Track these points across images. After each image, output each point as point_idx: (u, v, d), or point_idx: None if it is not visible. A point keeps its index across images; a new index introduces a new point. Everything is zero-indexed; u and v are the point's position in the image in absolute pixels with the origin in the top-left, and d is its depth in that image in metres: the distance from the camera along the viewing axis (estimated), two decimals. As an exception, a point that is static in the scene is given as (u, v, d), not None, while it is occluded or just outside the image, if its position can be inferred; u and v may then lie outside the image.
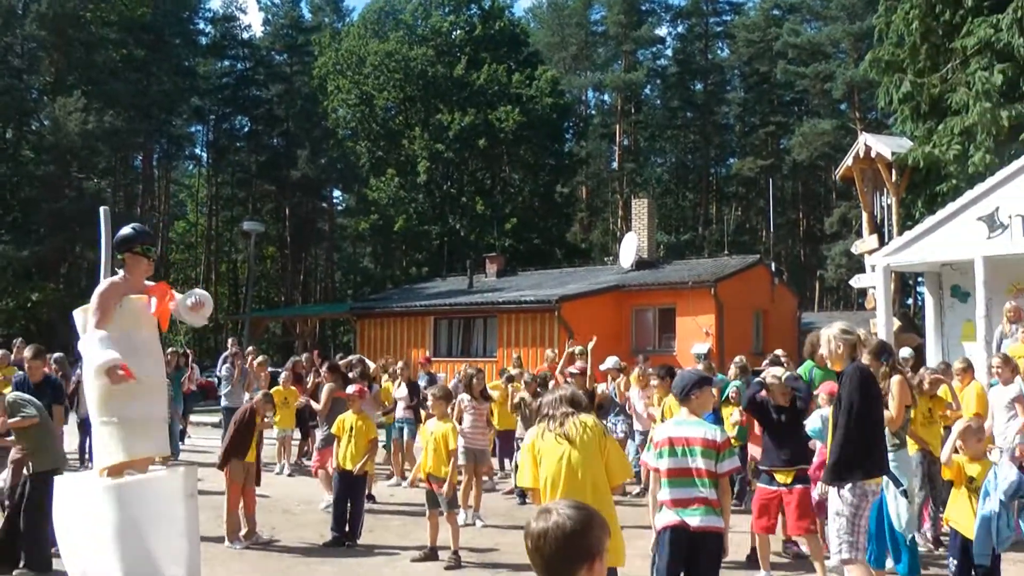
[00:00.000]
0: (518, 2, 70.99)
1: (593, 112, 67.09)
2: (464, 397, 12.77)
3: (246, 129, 60.47)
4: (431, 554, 9.72)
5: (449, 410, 10.82)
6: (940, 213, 16.56)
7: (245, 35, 61.83)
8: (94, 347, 6.35)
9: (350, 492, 10.63)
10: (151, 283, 6.97)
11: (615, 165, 62.03)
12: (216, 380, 18.34)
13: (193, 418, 21.66)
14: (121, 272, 6.84)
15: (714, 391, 8.23)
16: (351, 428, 10.73)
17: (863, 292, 24.22)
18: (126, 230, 6.97)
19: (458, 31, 49.79)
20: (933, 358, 16.67)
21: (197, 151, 62.78)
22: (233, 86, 59.30)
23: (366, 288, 51.20)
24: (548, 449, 5.88)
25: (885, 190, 21.13)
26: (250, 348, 20.50)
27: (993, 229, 15.67)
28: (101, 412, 6.37)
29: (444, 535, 9.81)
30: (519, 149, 48.76)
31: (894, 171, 20.68)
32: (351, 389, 11.45)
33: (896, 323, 20.12)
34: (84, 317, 6.59)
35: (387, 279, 50.57)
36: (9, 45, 40.05)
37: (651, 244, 33.71)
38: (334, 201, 61.44)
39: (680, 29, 64.72)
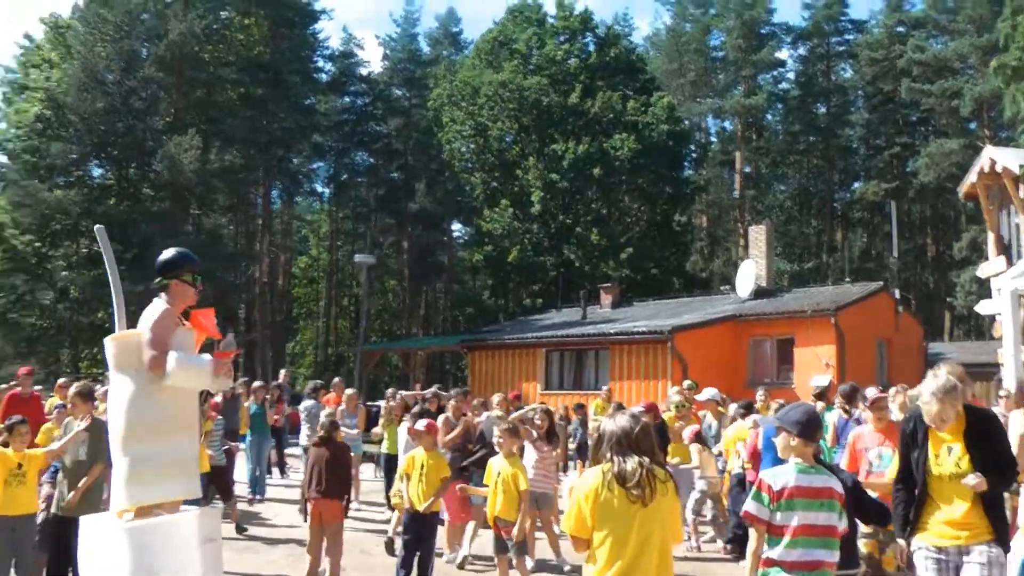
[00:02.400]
0: (636, 30, 70.77)
1: (714, 139, 66.20)
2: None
3: (366, 164, 61.05)
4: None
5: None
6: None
7: (364, 71, 62.46)
8: (184, 367, 6.00)
9: (421, 533, 9.96)
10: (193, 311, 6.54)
11: (736, 192, 60.89)
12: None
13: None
14: (163, 297, 6.36)
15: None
16: (422, 466, 10.06)
17: (992, 319, 23.01)
18: (171, 254, 6.55)
19: (573, 59, 49.36)
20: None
21: (318, 187, 63.61)
22: (353, 122, 59.91)
23: (478, 321, 51.04)
24: (617, 508, 4.92)
25: (1013, 207, 19.87)
26: (336, 380, 20.16)
27: None
28: (124, 450, 5.94)
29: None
30: (635, 177, 48.03)
31: (1022, 186, 19.44)
32: (421, 424, 10.85)
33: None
34: (122, 346, 6.10)
35: (501, 311, 50.32)
36: (132, 88, 40.81)
37: (770, 272, 32.78)
38: (453, 233, 61.63)
39: (801, 51, 63.43)
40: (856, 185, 60.70)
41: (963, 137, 50.57)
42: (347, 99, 61.11)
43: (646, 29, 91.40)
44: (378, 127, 59.78)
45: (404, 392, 17.01)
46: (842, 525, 5.44)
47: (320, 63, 58.89)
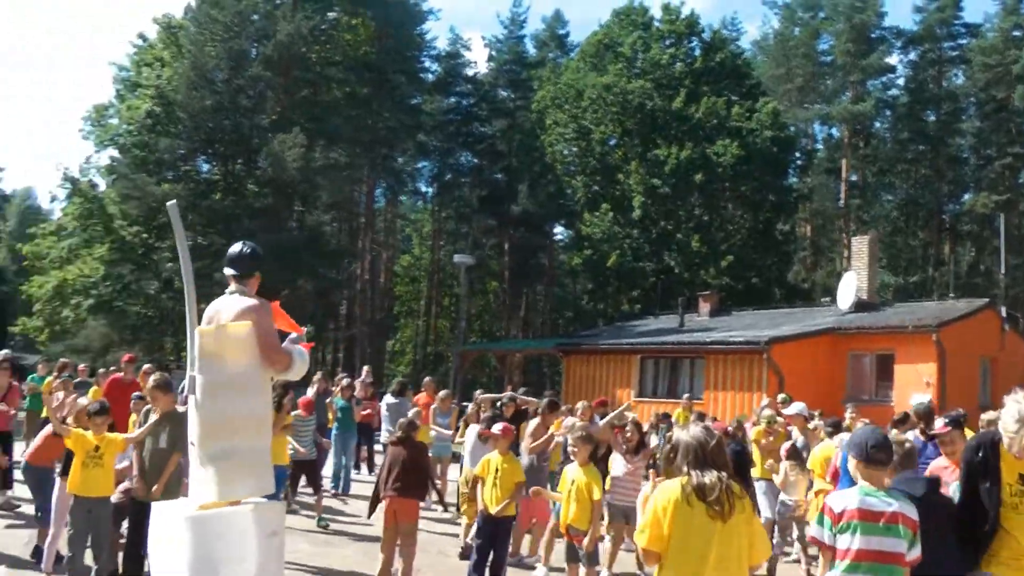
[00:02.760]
0: (744, 34, 70.45)
1: (820, 146, 65.19)
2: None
3: (469, 164, 61.42)
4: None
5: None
6: None
7: (470, 71, 62.80)
8: (302, 360, 6.21)
9: (494, 538, 9.99)
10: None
11: (841, 201, 59.86)
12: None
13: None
14: (238, 290, 6.33)
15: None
16: (496, 470, 10.09)
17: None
18: (251, 247, 6.51)
19: (678, 64, 49.03)
20: None
21: (421, 186, 64.18)
22: (457, 122, 60.31)
23: (576, 324, 51.03)
24: (696, 524, 4.73)
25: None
26: (427, 379, 20.32)
27: None
28: (217, 443, 5.96)
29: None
30: (738, 184, 47.58)
31: None
32: (497, 428, 10.86)
33: None
34: (224, 338, 6.04)
35: (599, 315, 50.22)
36: (240, 87, 41.60)
37: (872, 285, 32.08)
38: (555, 236, 61.70)
39: (912, 56, 61.93)
40: (966, 196, 59.28)
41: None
42: (452, 99, 61.54)
43: (754, 33, 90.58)
44: (482, 128, 60.20)
45: (482, 395, 17.02)
46: (912, 554, 5.27)
47: (426, 63, 59.47)
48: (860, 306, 30.60)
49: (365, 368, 23.34)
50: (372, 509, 10.86)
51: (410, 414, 12.86)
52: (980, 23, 60.36)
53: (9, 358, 15.90)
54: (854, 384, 27.86)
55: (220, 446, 5.91)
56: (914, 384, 25.65)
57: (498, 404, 15.26)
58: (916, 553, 5.30)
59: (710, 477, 4.77)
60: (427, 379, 20.46)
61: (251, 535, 5.90)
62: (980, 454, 5.90)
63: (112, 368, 18.89)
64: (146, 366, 17.44)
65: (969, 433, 7.99)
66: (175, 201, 5.66)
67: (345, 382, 18.49)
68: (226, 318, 6.13)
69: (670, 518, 4.75)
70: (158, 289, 40.21)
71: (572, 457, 10.05)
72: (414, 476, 10.24)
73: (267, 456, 6.27)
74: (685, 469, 4.86)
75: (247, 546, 5.88)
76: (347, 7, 49.92)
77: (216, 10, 41.98)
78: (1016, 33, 56.61)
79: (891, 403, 25.35)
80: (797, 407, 14.38)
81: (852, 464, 5.59)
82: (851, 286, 31.04)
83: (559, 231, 61.64)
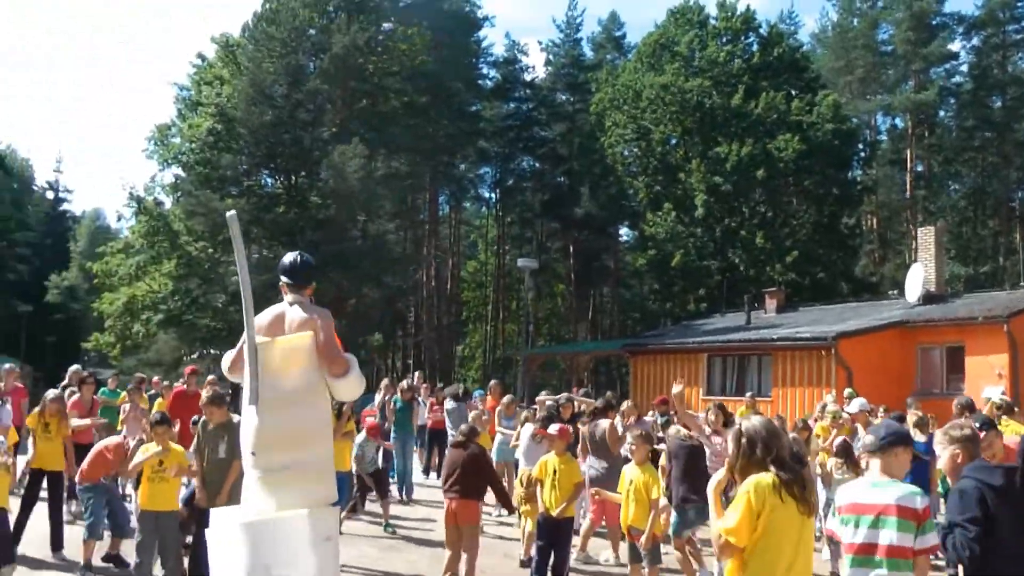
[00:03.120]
0: (803, 27, 70.05)
1: (883, 137, 64.55)
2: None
3: (531, 169, 61.71)
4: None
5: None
6: None
7: (528, 76, 63.09)
8: (359, 372, 6.21)
9: (554, 540, 10.07)
10: None
11: (907, 193, 59.22)
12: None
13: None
14: (297, 300, 6.33)
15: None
16: (554, 471, 10.19)
17: None
18: (307, 257, 6.56)
19: (736, 60, 48.80)
20: None
21: (484, 192, 64.57)
22: (517, 127, 60.64)
23: (642, 325, 51.04)
24: (785, 518, 4.74)
25: None
26: (493, 382, 20.47)
27: None
28: (269, 457, 6.05)
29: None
30: (800, 179, 47.27)
31: None
32: (553, 429, 10.94)
33: None
34: (290, 349, 6.05)
35: (666, 315, 50.18)
36: (298, 101, 42.11)
37: (939, 276, 31.68)
38: (620, 237, 61.79)
39: (974, 41, 61.01)
40: (1038, 182, 58.45)
41: None
42: (511, 105, 61.94)
43: (812, 26, 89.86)
44: (543, 132, 60.59)
45: (542, 397, 17.13)
46: (922, 543, 5.24)
47: (484, 69, 59.92)
48: (928, 298, 30.25)
49: (417, 374, 23.52)
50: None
51: (471, 416, 13.01)
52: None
53: (92, 373, 16.31)
54: (924, 377, 27.52)
55: (288, 457, 5.99)
56: (986, 376, 25.34)
57: (555, 405, 15.36)
58: (930, 542, 5.27)
59: (803, 470, 4.85)
60: (493, 382, 20.62)
61: (306, 540, 5.98)
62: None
63: (180, 381, 19.28)
64: (210, 377, 17.74)
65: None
66: (234, 212, 5.74)
67: (405, 384, 18.63)
68: (291, 327, 6.21)
69: (764, 512, 4.72)
70: (225, 302, 40.72)
71: (630, 456, 10.14)
72: (474, 479, 10.32)
73: (331, 464, 6.38)
74: (767, 460, 4.85)
75: (302, 551, 5.96)
76: (402, 17, 50.32)
77: (272, 27, 42.57)
78: (1081, 13, 55.77)
79: (963, 393, 25.04)
80: (859, 403, 14.36)
81: (865, 457, 5.70)
82: (918, 278, 30.69)
83: (623, 232, 61.81)
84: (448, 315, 58.49)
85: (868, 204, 58.79)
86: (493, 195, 63.82)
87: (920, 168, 60.37)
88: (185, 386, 16.77)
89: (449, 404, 18.35)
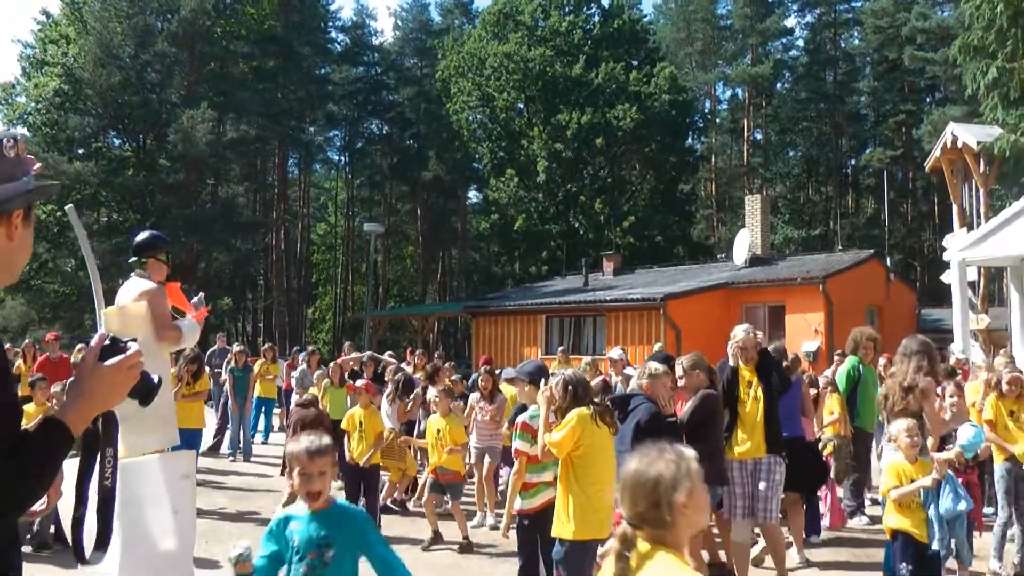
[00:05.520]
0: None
1: (725, 107, 66.57)
2: (474, 396, 12.73)
3: (380, 132, 61.90)
4: (436, 538, 10.30)
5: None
6: (1016, 205, 16.22)
7: (376, 40, 63.25)
8: (191, 331, 7.19)
9: (363, 486, 10.87)
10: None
11: (744, 160, 61.36)
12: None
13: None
14: (144, 274, 7.26)
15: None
16: (360, 423, 10.93)
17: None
18: (147, 236, 7.47)
19: (577, 31, 49.89)
20: (1021, 357, 16.30)
21: (333, 155, 64.55)
22: (366, 91, 60.72)
23: (488, 287, 51.96)
24: (600, 436, 6.44)
25: (974, 181, 20.72)
26: (347, 344, 21.17)
27: (1071, 222, 15.34)
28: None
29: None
30: (639, 147, 48.74)
31: (982, 161, 20.24)
32: (360, 383, 11.78)
33: (986, 320, 19.80)
34: (124, 317, 6.90)
35: (509, 278, 51.26)
36: (146, 62, 41.81)
37: (765, 240, 33.55)
38: (468, 201, 62.47)
39: (808, 18, 63.45)
40: (867, 151, 60.89)
41: (967, 105, 50.61)
42: (360, 69, 61.86)
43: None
44: (391, 96, 60.63)
45: (344, 358, 17.78)
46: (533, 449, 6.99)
47: (332, 34, 59.74)
48: (754, 261, 31.90)
49: (347, 344, 23.59)
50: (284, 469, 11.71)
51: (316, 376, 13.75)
52: (873, -14, 61.78)
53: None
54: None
55: (128, 408, 6.78)
56: (804, 333, 27.00)
57: (360, 364, 16.16)
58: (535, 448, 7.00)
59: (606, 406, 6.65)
60: (347, 344, 21.28)
61: (163, 478, 6.82)
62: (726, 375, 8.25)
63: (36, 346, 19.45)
64: (79, 345, 17.93)
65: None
66: (72, 206, 6.37)
67: (237, 348, 18.94)
68: (127, 299, 7.11)
69: (588, 433, 6.35)
70: (74, 267, 40.47)
71: (433, 409, 11.21)
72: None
73: (168, 414, 7.20)
74: (582, 394, 6.54)
75: (162, 487, 6.80)
76: (250, -20, 50.23)
77: (119, -15, 42.04)
78: (906, -4, 58.27)
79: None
80: (616, 351, 15.45)
81: (519, 388, 8.13)
82: (745, 242, 32.27)
83: (471, 196, 62.53)
84: (298, 278, 58.49)
85: (706, 171, 60.77)
86: (342, 158, 63.90)
87: (759, 137, 62.54)
88: (48, 352, 17.03)
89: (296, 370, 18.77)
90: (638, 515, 2.84)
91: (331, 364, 15.61)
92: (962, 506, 7.27)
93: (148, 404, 3.10)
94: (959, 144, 20.28)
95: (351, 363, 16.21)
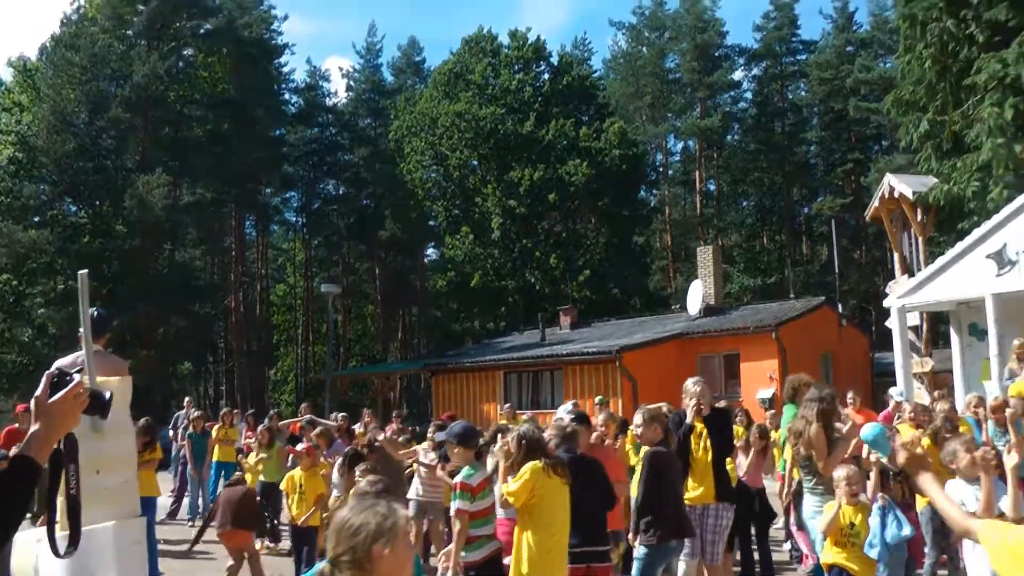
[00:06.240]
0: (596, 53, 72.13)
1: (678, 158, 67.42)
2: (421, 447, 12.76)
3: (336, 192, 62.15)
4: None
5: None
6: (950, 252, 16.80)
7: (330, 101, 63.62)
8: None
9: (302, 545, 11.17)
10: None
11: (698, 211, 62.09)
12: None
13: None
14: (100, 351, 7.49)
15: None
16: (300, 484, 11.17)
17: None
18: (104, 313, 7.70)
19: (527, 88, 50.51)
20: (961, 399, 16.66)
21: (291, 216, 64.60)
22: (321, 151, 60.97)
23: (446, 344, 52.04)
24: (553, 487, 6.86)
25: (912, 230, 21.31)
26: (303, 405, 21.23)
27: (1002, 266, 15.85)
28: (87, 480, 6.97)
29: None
30: (591, 201, 49.25)
31: (919, 210, 20.85)
32: (301, 447, 12.14)
33: (930, 363, 20.25)
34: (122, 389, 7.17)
35: (468, 334, 51.45)
36: (101, 128, 41.90)
37: (718, 290, 34.07)
38: (426, 258, 62.69)
39: (755, 71, 64.59)
40: (819, 199, 61.69)
41: (911, 153, 51.49)
42: (315, 130, 62.13)
43: (606, 51, 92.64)
44: (346, 156, 60.77)
45: (283, 421, 17.88)
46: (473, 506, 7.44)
47: (286, 96, 60.07)
48: (708, 311, 32.32)
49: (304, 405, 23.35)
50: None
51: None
52: (816, 40, 63.23)
53: None
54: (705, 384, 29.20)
55: (97, 481, 7.02)
56: (759, 381, 27.35)
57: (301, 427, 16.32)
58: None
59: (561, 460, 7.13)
60: (303, 405, 21.35)
61: (114, 546, 6.98)
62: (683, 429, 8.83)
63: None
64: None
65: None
66: (85, 271, 6.49)
67: (196, 413, 19.06)
68: (101, 372, 7.30)
69: (540, 484, 6.76)
70: (32, 336, 40.22)
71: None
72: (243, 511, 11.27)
73: (133, 485, 7.39)
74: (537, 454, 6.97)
75: (113, 554, 6.95)
76: (202, 44, 50.44)
77: (71, 52, 42.18)
78: (848, 49, 59.48)
79: (740, 399, 26.89)
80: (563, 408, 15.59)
81: (449, 450, 8.36)
82: (698, 293, 32.69)
83: (430, 253, 62.78)
84: (259, 340, 58.29)
85: (660, 223, 61.42)
86: (299, 219, 63.95)
87: (712, 187, 63.37)
88: (17, 424, 16.83)
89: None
90: (336, 557, 3.02)
91: (259, 428, 15.72)
92: (906, 531, 7.77)
93: (107, 416, 3.48)
94: (896, 194, 20.89)
95: (291, 427, 16.37)
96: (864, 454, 8.25)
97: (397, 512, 3.09)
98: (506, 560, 7.24)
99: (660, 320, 35.72)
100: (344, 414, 18.36)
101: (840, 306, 33.95)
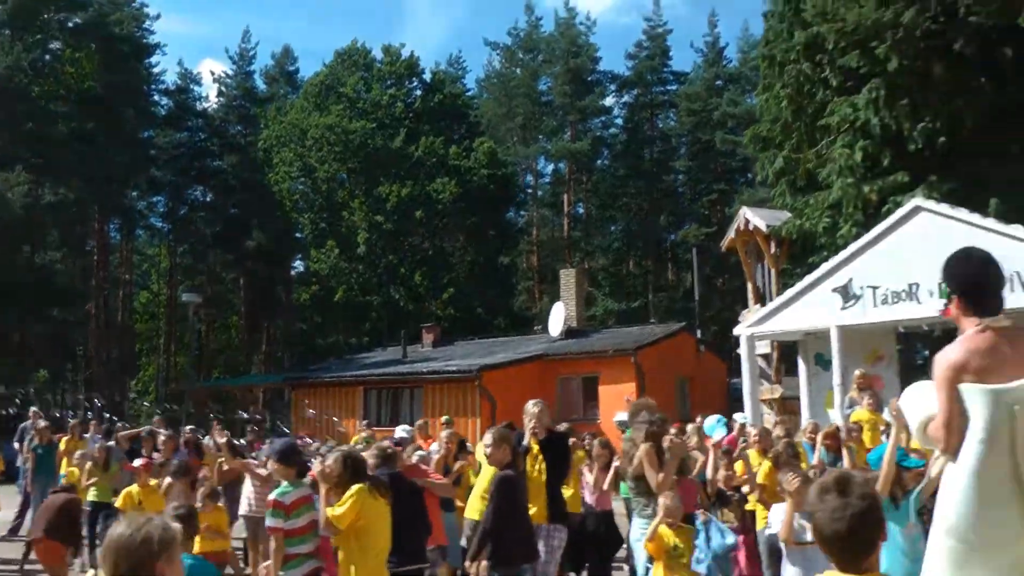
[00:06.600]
0: (470, 72, 72.47)
1: (547, 180, 67.89)
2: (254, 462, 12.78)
3: (204, 199, 61.06)
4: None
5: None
6: (799, 284, 17.40)
7: (201, 106, 62.50)
8: None
9: None
10: None
11: (565, 233, 62.65)
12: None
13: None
14: None
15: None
16: (139, 502, 10.89)
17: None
18: None
19: (399, 104, 50.53)
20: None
21: (156, 222, 63.22)
22: (189, 156, 59.83)
23: (310, 358, 51.59)
24: (377, 507, 7.07)
25: (766, 261, 21.97)
26: (155, 418, 20.81)
27: (847, 300, 16.41)
28: None
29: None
30: (459, 220, 49.42)
31: (772, 243, 21.51)
32: (138, 462, 11.84)
33: (780, 390, 20.86)
34: None
35: (332, 349, 51.02)
36: (-41, 124, 40.67)
37: (579, 313, 34.34)
38: (293, 271, 61.90)
39: (626, 99, 65.57)
40: (686, 227, 62.73)
41: (773, 186, 52.88)
42: (184, 134, 61.01)
43: (481, 70, 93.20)
44: (215, 163, 59.79)
45: (123, 432, 17.52)
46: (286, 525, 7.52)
47: (156, 97, 58.87)
48: (569, 333, 32.58)
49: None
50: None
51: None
52: (687, 71, 64.51)
53: None
54: (564, 406, 29.52)
55: None
56: (617, 404, 27.56)
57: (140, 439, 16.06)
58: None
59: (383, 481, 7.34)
60: (156, 418, 20.91)
61: None
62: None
63: None
64: None
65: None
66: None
67: (41, 424, 18.30)
68: None
69: (366, 506, 6.92)
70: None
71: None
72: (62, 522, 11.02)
73: None
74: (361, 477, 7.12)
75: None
76: (70, 39, 49.11)
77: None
78: (718, 83, 60.84)
79: (598, 421, 27.20)
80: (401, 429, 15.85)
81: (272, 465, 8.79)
82: (560, 315, 32.98)
83: (297, 265, 62.04)
84: (120, 348, 56.88)
85: (527, 244, 61.84)
86: (165, 225, 62.66)
87: (581, 210, 64.04)
88: None
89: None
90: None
91: (96, 445, 15.28)
92: (729, 539, 8.10)
93: None
94: (751, 226, 21.57)
95: (128, 440, 16.05)
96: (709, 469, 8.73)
97: (171, 526, 3.07)
98: None
99: (522, 341, 35.91)
100: (192, 427, 18.08)
101: (700, 332, 34.58)
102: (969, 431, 4.14)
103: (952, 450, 4.30)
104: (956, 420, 4.22)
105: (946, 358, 4.30)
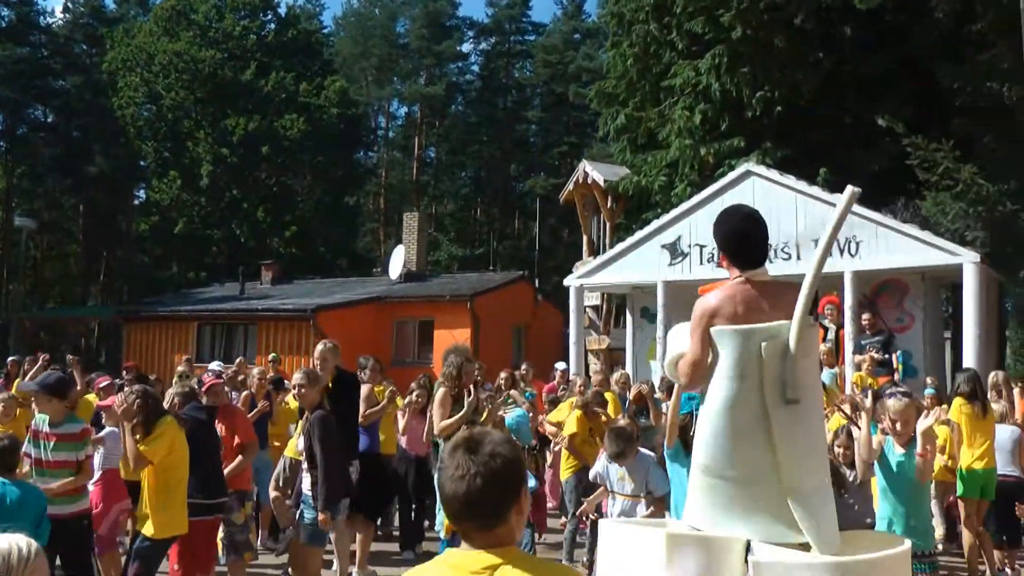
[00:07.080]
0: (328, 9, 71.23)
1: (401, 123, 67.60)
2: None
3: (45, 120, 58.94)
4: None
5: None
6: (629, 239, 17.77)
7: (45, 20, 60.11)
8: None
9: None
10: None
11: (414, 177, 62.54)
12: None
13: None
14: None
15: None
16: None
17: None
18: None
19: (251, 36, 49.52)
20: (632, 374, 17.52)
21: (-7, 141, 60.83)
22: (30, 73, 57.57)
23: (149, 291, 50.55)
24: (182, 438, 7.36)
25: (603, 216, 22.37)
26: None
27: (675, 256, 16.83)
28: None
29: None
30: (306, 158, 48.81)
31: (609, 197, 21.89)
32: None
33: (606, 340, 21.34)
34: None
35: (169, 282, 50.07)
36: None
37: (420, 257, 34.31)
38: (136, 200, 60.28)
39: (484, 46, 65.66)
40: (532, 178, 63.18)
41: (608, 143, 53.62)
42: (26, 49, 58.65)
43: (338, 9, 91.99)
44: (58, 83, 57.74)
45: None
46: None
47: (-3, 7, 56.54)
48: (409, 276, 32.62)
49: None
50: None
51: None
52: (545, 23, 64.85)
53: None
54: (399, 348, 29.73)
55: None
56: (451, 347, 27.75)
57: None
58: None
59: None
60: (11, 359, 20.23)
61: None
62: None
63: None
64: None
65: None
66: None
67: None
68: None
69: (176, 439, 7.23)
70: None
71: None
72: None
73: None
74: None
75: None
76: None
77: None
78: (575, 36, 61.24)
79: (431, 365, 27.29)
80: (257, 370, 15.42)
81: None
82: (400, 258, 33.00)
83: (140, 195, 60.41)
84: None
85: (374, 185, 61.54)
86: (2, 144, 60.30)
87: (432, 155, 63.96)
88: None
89: None
90: None
91: None
92: (530, 482, 8.24)
93: None
94: (589, 180, 21.90)
95: None
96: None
97: (34, 543, 2.91)
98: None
99: (362, 282, 35.81)
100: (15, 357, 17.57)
101: (539, 282, 34.98)
102: (718, 371, 4.35)
103: (694, 386, 4.66)
104: (702, 360, 4.46)
105: (702, 303, 4.57)
